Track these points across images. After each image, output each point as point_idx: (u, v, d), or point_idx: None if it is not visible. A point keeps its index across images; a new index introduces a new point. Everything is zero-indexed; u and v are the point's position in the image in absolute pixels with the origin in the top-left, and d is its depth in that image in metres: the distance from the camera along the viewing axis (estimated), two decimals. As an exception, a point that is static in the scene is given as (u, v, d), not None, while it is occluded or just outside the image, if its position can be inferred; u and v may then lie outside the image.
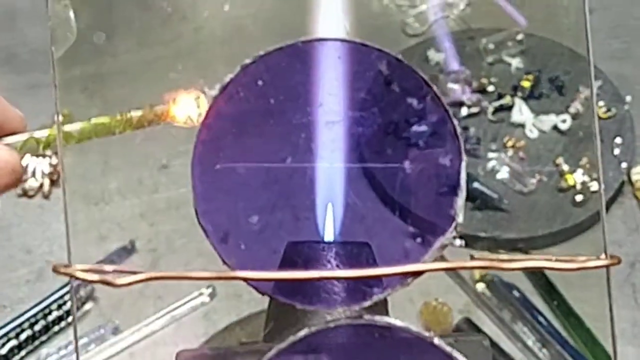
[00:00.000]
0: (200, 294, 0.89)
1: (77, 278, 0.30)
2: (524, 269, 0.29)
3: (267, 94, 0.32)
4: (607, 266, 0.29)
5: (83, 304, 0.88)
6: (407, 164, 0.33)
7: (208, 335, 0.86)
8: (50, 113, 0.33)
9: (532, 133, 0.98)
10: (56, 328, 0.86)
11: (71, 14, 0.33)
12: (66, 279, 0.32)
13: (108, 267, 0.31)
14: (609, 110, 0.98)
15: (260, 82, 0.32)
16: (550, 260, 0.29)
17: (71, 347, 0.86)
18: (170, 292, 0.89)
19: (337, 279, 0.32)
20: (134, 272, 0.31)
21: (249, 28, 1.10)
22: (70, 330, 0.86)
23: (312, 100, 0.32)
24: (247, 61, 0.31)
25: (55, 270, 0.31)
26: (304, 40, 0.31)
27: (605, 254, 0.29)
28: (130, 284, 0.30)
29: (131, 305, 0.89)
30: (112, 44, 1.09)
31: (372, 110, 0.32)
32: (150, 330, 0.88)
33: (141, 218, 0.95)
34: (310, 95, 0.32)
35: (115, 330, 0.87)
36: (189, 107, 0.32)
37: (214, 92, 0.31)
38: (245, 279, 0.30)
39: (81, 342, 0.85)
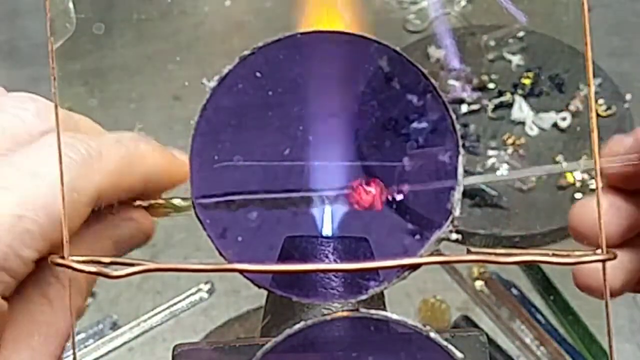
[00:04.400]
0: (199, 290, 0.89)
1: (73, 269, 0.30)
2: (520, 263, 0.28)
3: (265, 86, 0.32)
4: (603, 261, 0.29)
5: (81, 298, 0.88)
6: (405, 159, 0.33)
7: (207, 331, 0.87)
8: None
9: (532, 131, 0.98)
10: (54, 322, 0.86)
11: (70, 5, 0.33)
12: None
13: (105, 259, 0.31)
14: (608, 108, 0.98)
15: (258, 74, 0.31)
16: (546, 255, 0.29)
17: (69, 343, 0.85)
18: (169, 288, 0.89)
19: (334, 271, 0.32)
20: (131, 264, 0.30)
21: (250, 24, 1.10)
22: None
23: (311, 92, 0.32)
24: (246, 53, 0.31)
25: (51, 261, 0.31)
26: (303, 32, 0.31)
27: (602, 249, 0.29)
28: (127, 275, 0.30)
29: (130, 301, 0.89)
30: (112, 38, 1.09)
31: (370, 103, 0.32)
32: (149, 326, 0.88)
33: (140, 213, 0.95)
34: (309, 87, 0.32)
35: (114, 326, 0.87)
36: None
37: (213, 84, 0.31)
38: (242, 271, 0.30)
39: (79, 337, 0.85)
